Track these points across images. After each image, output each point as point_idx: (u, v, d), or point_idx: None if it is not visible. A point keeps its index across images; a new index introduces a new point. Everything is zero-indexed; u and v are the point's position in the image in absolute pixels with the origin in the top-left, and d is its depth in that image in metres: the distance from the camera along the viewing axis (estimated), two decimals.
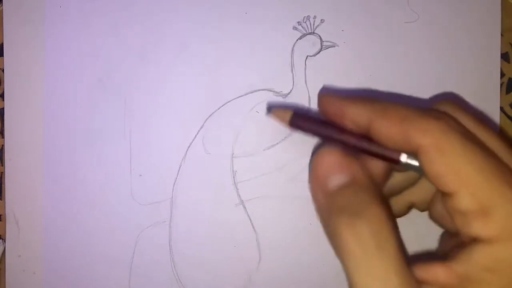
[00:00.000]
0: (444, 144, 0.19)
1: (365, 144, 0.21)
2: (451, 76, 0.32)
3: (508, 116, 0.33)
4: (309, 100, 0.32)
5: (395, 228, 0.19)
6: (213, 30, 0.33)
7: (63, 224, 0.33)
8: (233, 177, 0.32)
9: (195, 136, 0.33)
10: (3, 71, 0.34)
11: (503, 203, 0.18)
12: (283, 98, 0.32)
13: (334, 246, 0.19)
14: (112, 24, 0.33)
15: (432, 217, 0.24)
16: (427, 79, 0.32)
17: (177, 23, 0.33)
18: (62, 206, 0.33)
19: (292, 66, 0.32)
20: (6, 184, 0.34)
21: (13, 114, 0.34)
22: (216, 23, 0.33)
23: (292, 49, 0.32)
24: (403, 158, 0.21)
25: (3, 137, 0.34)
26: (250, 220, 0.32)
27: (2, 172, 0.34)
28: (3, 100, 0.34)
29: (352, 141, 0.22)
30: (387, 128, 0.20)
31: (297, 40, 0.32)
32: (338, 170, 0.20)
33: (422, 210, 0.25)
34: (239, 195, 0.32)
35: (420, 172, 0.20)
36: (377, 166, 0.22)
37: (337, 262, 0.19)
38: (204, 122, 0.33)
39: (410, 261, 0.19)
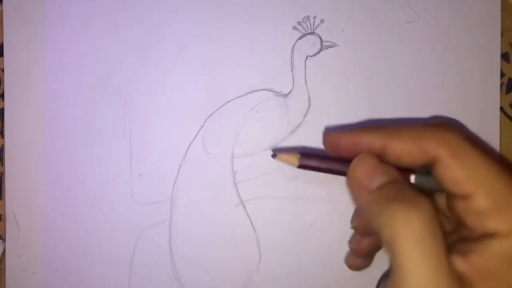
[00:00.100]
0: (459, 152, 0.21)
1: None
2: (451, 76, 0.32)
3: (508, 116, 0.33)
4: (309, 100, 0.32)
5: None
6: (213, 30, 0.33)
7: (63, 224, 0.33)
8: (233, 177, 0.32)
9: (195, 136, 0.33)
10: (3, 71, 0.34)
11: None
12: (283, 98, 0.32)
13: (385, 234, 0.20)
14: (112, 24, 0.33)
15: None
16: (427, 79, 0.32)
17: (177, 23, 0.33)
18: (62, 206, 0.33)
19: (292, 66, 0.32)
20: (6, 184, 0.34)
21: (13, 114, 0.34)
22: (216, 23, 0.33)
23: (292, 49, 0.32)
24: (412, 179, 0.23)
25: (3, 137, 0.34)
26: (250, 220, 0.32)
27: (2, 172, 0.34)
28: (3, 100, 0.34)
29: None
30: (404, 146, 0.22)
31: (297, 40, 0.32)
32: (379, 171, 0.22)
33: None
34: (239, 195, 0.32)
35: (430, 188, 0.23)
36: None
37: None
38: (204, 122, 0.33)
39: None
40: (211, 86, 0.33)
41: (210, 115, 0.33)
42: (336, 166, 0.25)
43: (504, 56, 0.32)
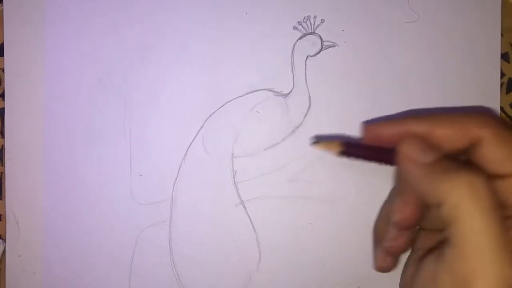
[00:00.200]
0: (502, 132, 0.22)
1: None
2: (451, 76, 0.32)
3: (508, 116, 0.33)
4: (309, 100, 0.32)
5: None
6: (213, 30, 0.33)
7: (63, 224, 0.33)
8: (233, 177, 0.32)
9: (195, 136, 0.33)
10: (3, 71, 0.34)
11: None
12: (283, 98, 0.32)
13: (449, 202, 0.20)
14: (112, 24, 0.33)
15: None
16: (427, 79, 0.32)
17: (177, 23, 0.33)
18: (62, 206, 0.33)
19: (293, 66, 0.32)
20: (6, 184, 0.34)
21: (13, 114, 0.34)
22: (216, 23, 0.33)
23: (293, 49, 0.32)
24: None
25: (3, 137, 0.34)
26: (250, 220, 0.32)
27: (2, 172, 0.34)
28: (3, 100, 0.34)
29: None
30: (449, 131, 0.23)
31: (297, 40, 0.32)
32: (428, 148, 0.23)
33: None
34: (239, 195, 0.32)
35: None
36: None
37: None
38: (204, 122, 0.33)
39: None
40: (211, 86, 0.33)
41: (210, 115, 0.33)
42: (377, 153, 0.25)
43: (504, 56, 0.32)
